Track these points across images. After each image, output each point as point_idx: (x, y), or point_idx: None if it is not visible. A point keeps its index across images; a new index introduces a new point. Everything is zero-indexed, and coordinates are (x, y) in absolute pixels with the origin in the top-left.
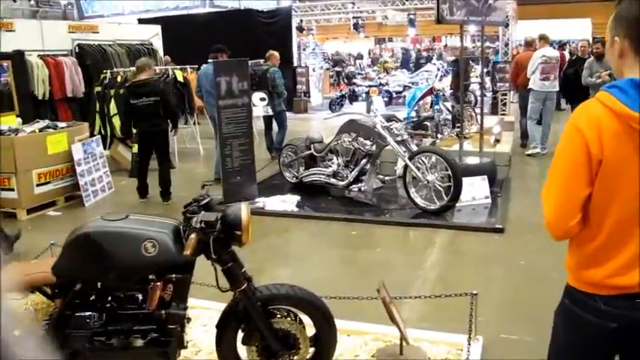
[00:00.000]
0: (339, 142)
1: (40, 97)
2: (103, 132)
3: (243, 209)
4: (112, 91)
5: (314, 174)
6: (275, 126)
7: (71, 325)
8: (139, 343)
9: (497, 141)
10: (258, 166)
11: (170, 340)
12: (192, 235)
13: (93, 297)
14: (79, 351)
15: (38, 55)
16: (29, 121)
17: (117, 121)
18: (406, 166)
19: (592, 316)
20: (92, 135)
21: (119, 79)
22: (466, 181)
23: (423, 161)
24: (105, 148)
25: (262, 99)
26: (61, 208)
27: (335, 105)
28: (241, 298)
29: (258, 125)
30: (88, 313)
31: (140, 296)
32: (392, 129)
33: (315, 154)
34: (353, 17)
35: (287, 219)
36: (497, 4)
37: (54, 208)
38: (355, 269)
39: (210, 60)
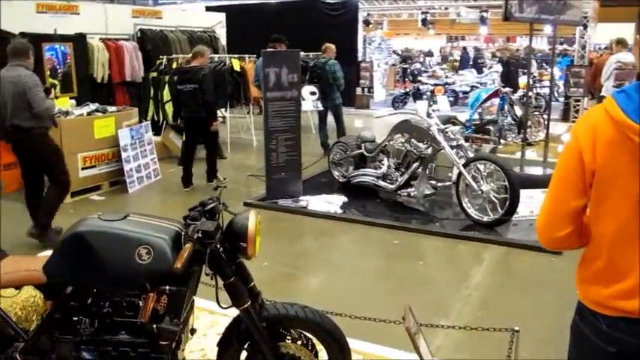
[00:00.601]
0: (390, 142)
1: (98, 80)
2: (156, 118)
3: (252, 218)
4: (167, 77)
5: (363, 175)
6: (331, 121)
7: (60, 330)
8: (129, 356)
9: None
10: (310, 162)
11: (161, 358)
12: (187, 246)
13: (85, 301)
14: (66, 358)
15: (100, 39)
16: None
17: (169, 108)
18: (460, 174)
19: (594, 337)
20: (145, 120)
21: (174, 65)
22: (525, 194)
23: (479, 169)
24: (158, 134)
25: (312, 93)
26: (105, 193)
27: (398, 102)
28: (244, 317)
29: (315, 119)
30: (78, 319)
31: (134, 306)
32: (447, 132)
33: (365, 153)
34: (422, 12)
35: (328, 221)
36: (573, 2)
37: (98, 192)
38: (391, 283)
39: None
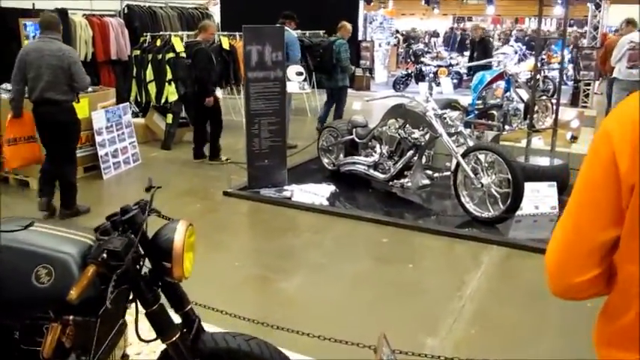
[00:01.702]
0: (383, 128)
1: (81, 59)
2: (139, 99)
3: (179, 231)
4: (150, 56)
5: (353, 163)
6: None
7: None
8: None
9: (575, 138)
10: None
11: None
12: (88, 270)
13: None
14: None
15: (83, 15)
16: None
17: (152, 88)
18: (458, 164)
19: None
20: (128, 101)
21: (158, 43)
22: (530, 187)
23: (479, 160)
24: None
25: (299, 73)
26: (78, 180)
27: (399, 84)
28: (172, 351)
29: (310, 102)
30: None
31: (38, 337)
32: (445, 118)
33: (356, 140)
34: None
35: (313, 214)
36: None
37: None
38: (374, 291)
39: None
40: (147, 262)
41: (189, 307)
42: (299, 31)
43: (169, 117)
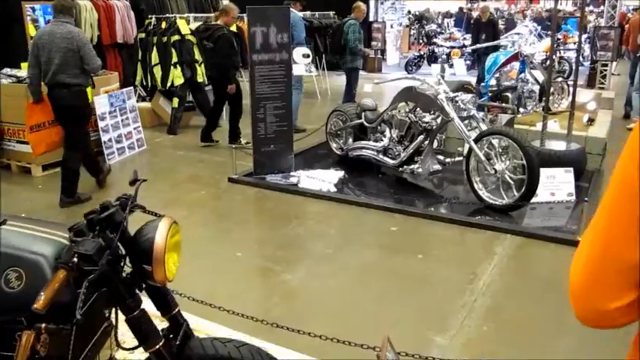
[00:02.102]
0: (393, 112)
1: None
2: (144, 82)
3: (161, 230)
4: (155, 39)
5: (362, 148)
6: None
7: None
8: None
9: (592, 121)
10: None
11: None
12: (57, 275)
13: None
14: None
15: None
16: None
17: (158, 72)
18: (471, 149)
19: None
20: (133, 85)
21: (164, 25)
22: (546, 173)
23: (492, 145)
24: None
25: (306, 55)
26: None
27: (411, 66)
28: None
29: (321, 84)
30: None
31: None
32: (457, 101)
33: (365, 124)
34: None
35: (320, 201)
36: None
37: None
38: (382, 284)
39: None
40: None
41: (176, 310)
42: (308, 13)
43: (175, 101)
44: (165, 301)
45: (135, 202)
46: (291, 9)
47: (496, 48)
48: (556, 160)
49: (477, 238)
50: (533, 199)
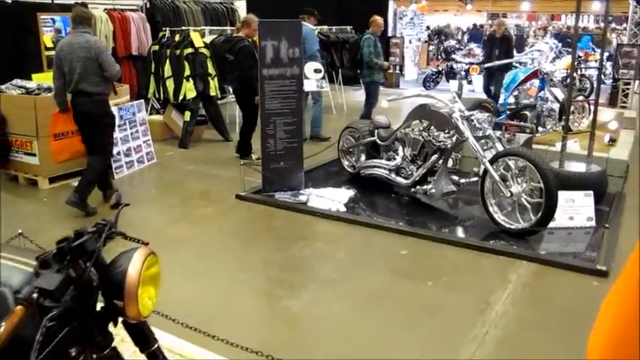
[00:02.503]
0: (406, 130)
1: None
2: (157, 95)
3: (135, 262)
4: (168, 51)
5: (374, 166)
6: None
7: None
8: None
9: (613, 141)
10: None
11: None
12: (14, 311)
13: None
14: None
15: (105, 9)
16: None
17: (170, 85)
18: (486, 171)
19: None
20: (146, 98)
21: (177, 38)
22: (565, 196)
23: (509, 166)
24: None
25: (317, 70)
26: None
27: (429, 82)
28: None
29: (337, 98)
30: None
31: None
32: (473, 120)
33: (378, 141)
34: None
35: (328, 221)
36: None
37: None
38: (387, 313)
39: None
40: None
41: (155, 346)
42: (325, 27)
43: (187, 114)
44: (143, 335)
45: (114, 229)
46: (304, 23)
47: (509, 65)
48: (575, 183)
49: (490, 263)
50: (551, 224)
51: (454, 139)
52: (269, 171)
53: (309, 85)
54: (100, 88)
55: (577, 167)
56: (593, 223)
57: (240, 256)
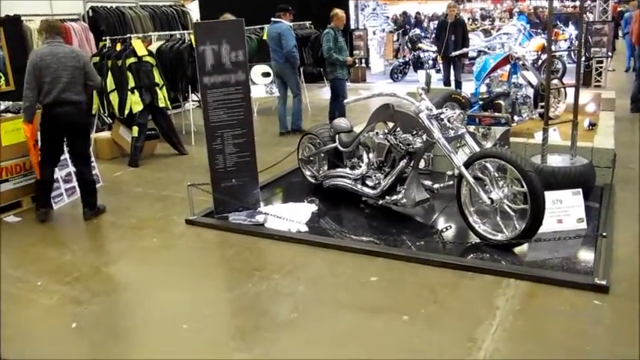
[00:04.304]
0: (370, 134)
1: None
2: (102, 111)
3: None
4: (110, 63)
5: (337, 176)
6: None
7: None
8: None
9: (593, 125)
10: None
11: None
12: None
13: None
14: None
15: (42, 21)
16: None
17: (115, 99)
18: (461, 177)
19: None
20: (91, 116)
21: (118, 47)
22: (551, 197)
23: (487, 168)
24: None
25: (265, 74)
26: (25, 212)
27: (397, 73)
28: None
29: (304, 98)
30: None
31: None
32: (442, 119)
33: (340, 148)
34: None
35: (288, 245)
36: None
37: (15, 211)
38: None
39: (273, 20)
40: None
41: None
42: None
43: (135, 129)
44: None
45: None
46: (280, 20)
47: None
48: (561, 179)
49: (474, 286)
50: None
51: (423, 140)
52: (220, 190)
53: (257, 92)
54: (82, 97)
55: (561, 161)
56: (584, 225)
57: (184, 298)
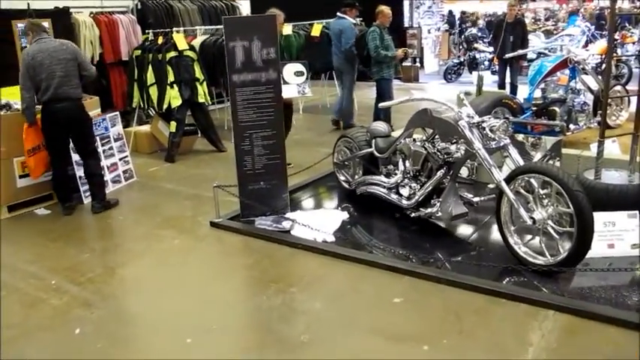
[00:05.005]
0: (407, 140)
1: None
2: (141, 104)
3: None
4: (150, 56)
5: (371, 183)
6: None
7: None
8: None
9: None
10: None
11: None
12: None
13: None
14: None
15: (90, 13)
16: None
17: (154, 93)
18: (501, 193)
19: None
20: (132, 108)
21: (160, 41)
22: (602, 218)
23: (530, 184)
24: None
25: (299, 73)
26: (53, 205)
27: (450, 74)
28: None
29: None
30: None
31: None
32: (484, 128)
33: (375, 154)
34: None
35: (312, 255)
36: None
37: (44, 204)
38: None
39: (338, 14)
40: None
41: None
42: (324, 21)
43: (172, 125)
44: None
45: None
46: (344, 16)
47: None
48: (615, 198)
49: (507, 314)
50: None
51: (462, 150)
52: (248, 193)
53: (289, 91)
54: (79, 91)
55: (617, 177)
56: (638, 252)
57: (193, 310)
